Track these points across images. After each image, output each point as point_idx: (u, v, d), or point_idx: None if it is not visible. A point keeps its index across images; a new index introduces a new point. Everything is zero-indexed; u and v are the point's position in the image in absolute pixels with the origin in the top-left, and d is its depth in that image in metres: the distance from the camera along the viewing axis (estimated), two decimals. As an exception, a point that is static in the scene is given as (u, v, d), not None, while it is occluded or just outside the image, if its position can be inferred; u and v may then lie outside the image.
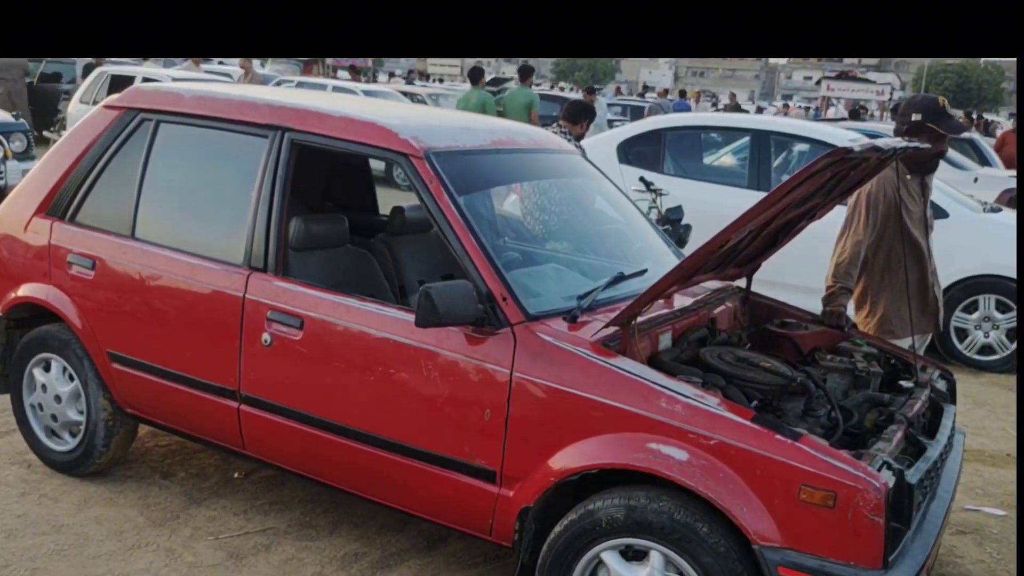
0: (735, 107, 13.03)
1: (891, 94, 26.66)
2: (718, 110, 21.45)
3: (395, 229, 3.77)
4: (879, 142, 2.77)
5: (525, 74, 10.81)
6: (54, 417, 3.67)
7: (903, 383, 3.17)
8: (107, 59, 12.22)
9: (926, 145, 3.32)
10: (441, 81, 31.98)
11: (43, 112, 13.01)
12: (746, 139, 7.15)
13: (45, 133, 12.63)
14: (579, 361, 2.58)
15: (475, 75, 11.02)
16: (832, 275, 3.70)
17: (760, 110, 26.05)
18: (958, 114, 3.74)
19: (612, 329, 2.70)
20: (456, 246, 2.79)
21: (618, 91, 26.02)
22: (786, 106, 26.72)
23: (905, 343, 3.60)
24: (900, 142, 2.97)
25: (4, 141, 7.99)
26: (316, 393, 2.99)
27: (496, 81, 29.82)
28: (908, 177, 3.68)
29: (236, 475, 3.83)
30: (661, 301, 3.08)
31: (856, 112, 18.08)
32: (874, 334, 3.71)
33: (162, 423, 3.51)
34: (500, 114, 10.19)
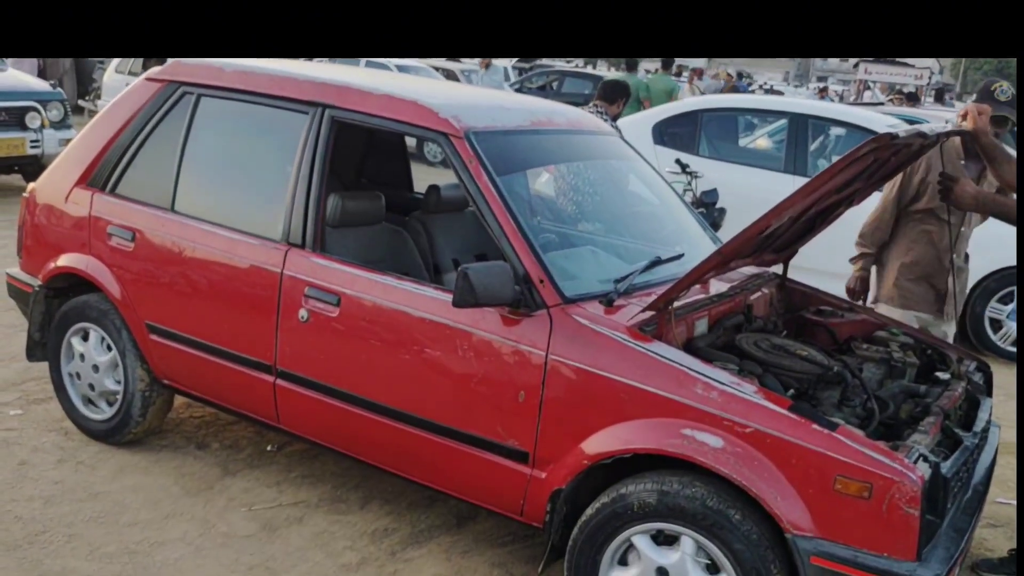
0: (732, 88, 12.78)
1: (930, 78, 26.21)
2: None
3: (430, 207, 3.77)
4: (924, 128, 2.74)
5: (667, 63, 12.03)
6: (91, 386, 3.73)
7: (939, 374, 3.14)
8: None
9: (969, 130, 3.29)
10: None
11: (79, 81, 13.14)
12: (783, 122, 7.07)
13: (80, 102, 12.76)
14: (615, 345, 2.58)
15: (631, 64, 12.05)
16: (857, 239, 3.90)
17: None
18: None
19: (649, 313, 2.70)
20: (494, 227, 2.79)
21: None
22: (823, 89, 26.22)
23: (907, 318, 3.68)
24: (945, 127, 2.93)
25: (41, 110, 8.05)
26: (351, 370, 3.01)
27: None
28: (962, 162, 3.65)
29: (269, 448, 3.88)
30: (697, 286, 3.07)
31: (915, 96, 17.68)
32: (882, 300, 3.84)
33: (198, 395, 3.55)
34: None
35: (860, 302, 3.89)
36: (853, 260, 3.94)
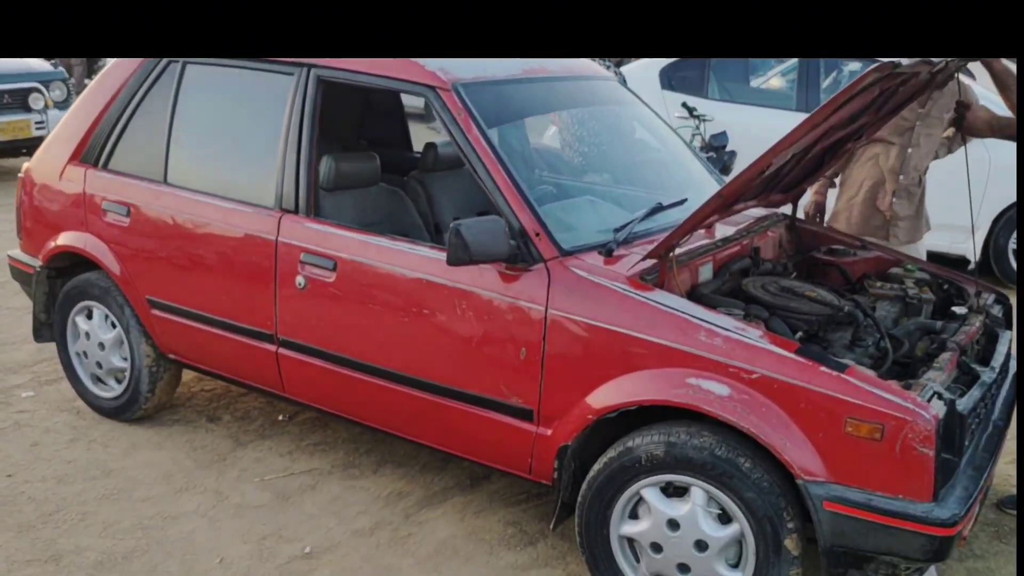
0: None
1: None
2: None
3: (428, 166, 3.69)
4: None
5: None
6: (99, 364, 3.71)
7: (956, 309, 3.05)
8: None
9: (974, 60, 3.19)
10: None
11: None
12: (794, 61, 6.89)
13: (87, 81, 12.72)
14: (615, 296, 2.51)
15: None
16: None
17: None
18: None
19: (649, 262, 2.62)
20: (486, 180, 2.72)
21: None
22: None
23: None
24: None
25: (44, 90, 8.02)
26: (352, 335, 2.97)
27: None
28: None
29: (280, 417, 3.86)
30: (701, 231, 2.99)
31: None
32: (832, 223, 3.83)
33: (204, 368, 3.53)
34: None
35: (817, 221, 3.90)
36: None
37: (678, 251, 2.69)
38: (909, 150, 3.67)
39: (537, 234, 2.63)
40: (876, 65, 2.27)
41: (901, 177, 3.68)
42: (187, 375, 3.87)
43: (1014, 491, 3.37)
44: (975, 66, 5.74)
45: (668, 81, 6.97)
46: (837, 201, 3.87)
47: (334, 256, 2.94)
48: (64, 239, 3.64)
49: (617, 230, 2.73)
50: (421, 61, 2.92)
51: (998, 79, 3.30)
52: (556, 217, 2.76)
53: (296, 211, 3.07)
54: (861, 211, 3.76)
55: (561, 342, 2.56)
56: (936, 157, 3.81)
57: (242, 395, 4.04)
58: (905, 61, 2.39)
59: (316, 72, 3.07)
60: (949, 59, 2.83)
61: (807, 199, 3.87)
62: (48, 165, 3.71)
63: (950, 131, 3.77)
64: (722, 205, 2.67)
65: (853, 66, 7.07)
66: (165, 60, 3.42)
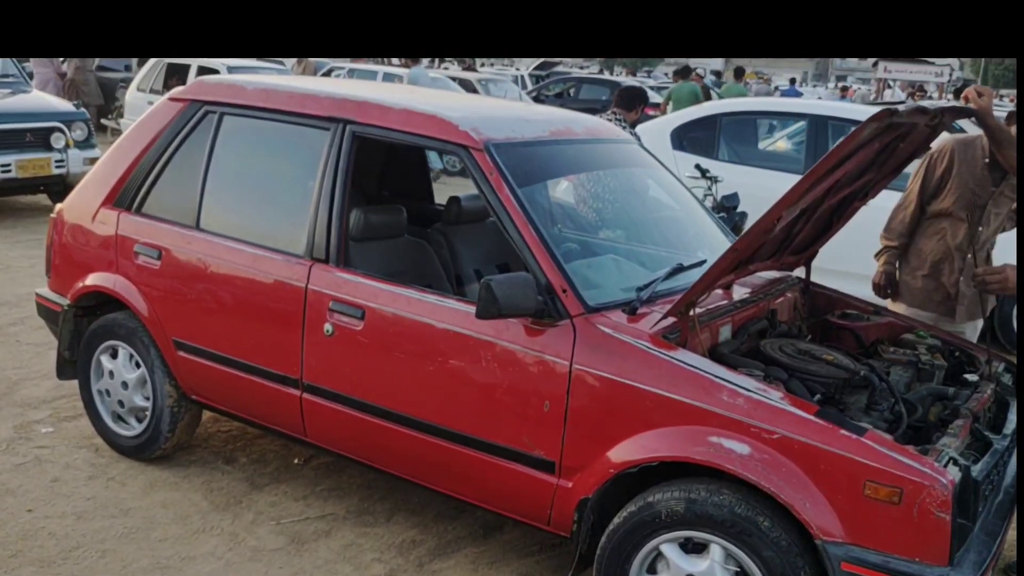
0: (685, 69, 13.11)
1: (950, 75, 26.01)
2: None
3: (451, 219, 3.79)
4: (924, 103, 2.71)
5: (686, 73, 13.26)
6: (121, 403, 3.77)
7: (968, 376, 3.12)
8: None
9: (973, 108, 3.23)
10: (491, 64, 31.85)
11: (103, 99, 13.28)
12: (803, 124, 7.04)
13: (103, 121, 12.90)
14: (639, 353, 2.58)
15: (685, 72, 13.26)
16: (881, 233, 3.84)
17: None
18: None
19: (671, 320, 2.69)
20: (516, 238, 2.80)
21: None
22: (844, 88, 25.90)
23: (918, 317, 3.63)
24: (945, 103, 2.90)
25: (66, 130, 8.16)
26: (377, 382, 3.03)
27: (544, 65, 29.71)
28: (985, 161, 3.59)
29: (296, 461, 3.90)
30: (720, 292, 3.07)
31: (958, 93, 17.57)
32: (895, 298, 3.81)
33: (226, 410, 3.58)
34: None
35: (888, 299, 3.84)
36: (877, 255, 3.86)
37: (698, 311, 2.77)
38: (980, 228, 3.64)
39: (564, 291, 2.71)
40: (874, 114, 2.37)
41: (968, 256, 3.65)
42: (205, 415, 3.92)
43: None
44: (966, 123, 5.85)
45: (679, 142, 7.12)
46: (901, 272, 3.81)
47: (363, 305, 3.02)
48: (94, 279, 3.72)
49: (640, 289, 2.81)
50: (454, 120, 3.02)
51: (991, 134, 3.34)
52: (581, 275, 2.84)
53: (327, 260, 3.15)
54: (924, 285, 3.71)
55: (585, 396, 2.63)
56: (1003, 230, 3.79)
57: (258, 437, 4.09)
58: (901, 109, 2.47)
59: (352, 128, 3.17)
60: (944, 108, 2.91)
61: (876, 269, 3.83)
62: (81, 207, 3.80)
63: (1014, 205, 3.83)
64: (737, 260, 2.74)
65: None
66: (204, 110, 3.53)
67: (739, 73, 15.40)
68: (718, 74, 19.01)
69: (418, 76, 12.61)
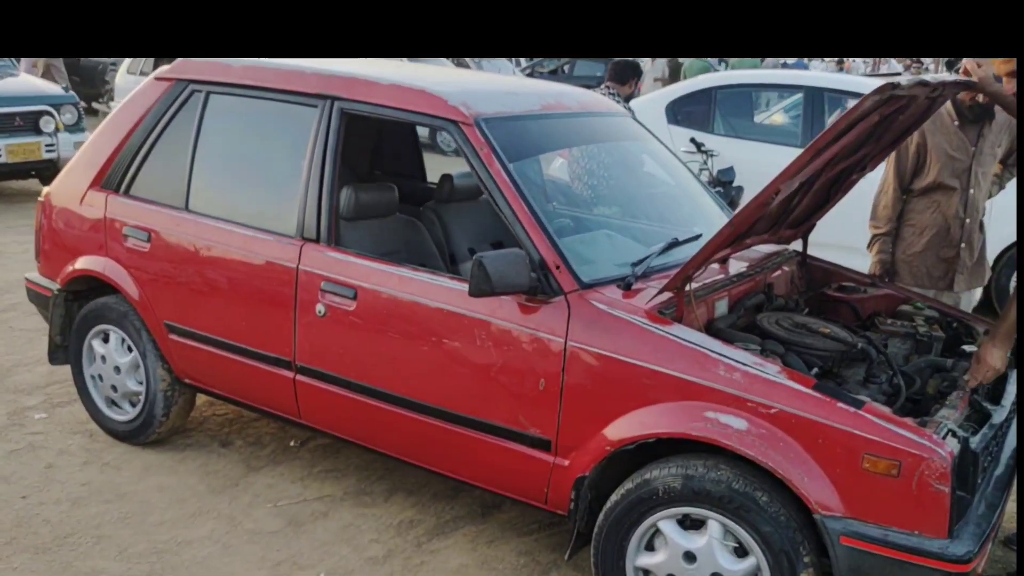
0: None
1: (946, 45, 25.81)
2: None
3: (444, 197, 3.75)
4: (926, 76, 2.67)
5: None
6: (114, 387, 3.74)
7: (966, 347, 3.10)
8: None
9: (974, 80, 3.18)
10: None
11: (91, 84, 13.19)
12: (799, 96, 6.98)
13: (94, 104, 12.81)
14: (634, 329, 2.55)
15: None
16: (869, 222, 3.80)
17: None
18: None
19: (667, 296, 2.66)
20: (508, 214, 2.76)
21: None
22: (841, 62, 25.74)
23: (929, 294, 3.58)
24: (949, 77, 2.86)
25: (55, 114, 8.09)
26: (370, 363, 3.00)
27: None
28: (956, 124, 3.57)
29: (292, 443, 3.88)
30: (716, 267, 3.04)
31: (951, 64, 17.43)
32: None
33: (219, 393, 3.55)
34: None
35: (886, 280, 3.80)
36: (869, 245, 3.81)
37: (694, 286, 2.74)
38: (971, 191, 3.61)
39: (558, 267, 2.67)
40: (876, 88, 2.33)
41: (967, 221, 3.63)
42: (200, 399, 3.90)
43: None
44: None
45: (674, 116, 7.06)
46: (896, 254, 3.75)
47: (355, 285, 2.99)
48: (83, 263, 3.68)
49: (635, 264, 2.78)
50: (443, 94, 2.97)
51: (1002, 103, 3.22)
52: (575, 250, 2.81)
53: (317, 240, 3.11)
54: (924, 261, 3.68)
55: (580, 374, 2.60)
56: (989, 196, 3.77)
57: (254, 420, 4.07)
58: (903, 82, 2.43)
59: (340, 105, 3.13)
60: (947, 82, 2.87)
61: (872, 259, 3.78)
62: (69, 190, 3.76)
63: (997, 167, 3.77)
64: (733, 235, 2.71)
65: (855, 103, 7.16)
66: (189, 89, 3.48)
67: None
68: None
69: None
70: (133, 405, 3.74)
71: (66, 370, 4.01)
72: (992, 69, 3.13)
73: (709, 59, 13.11)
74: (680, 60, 13.00)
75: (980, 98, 3.47)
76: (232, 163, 3.49)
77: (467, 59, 15.01)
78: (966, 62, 3.25)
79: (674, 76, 12.22)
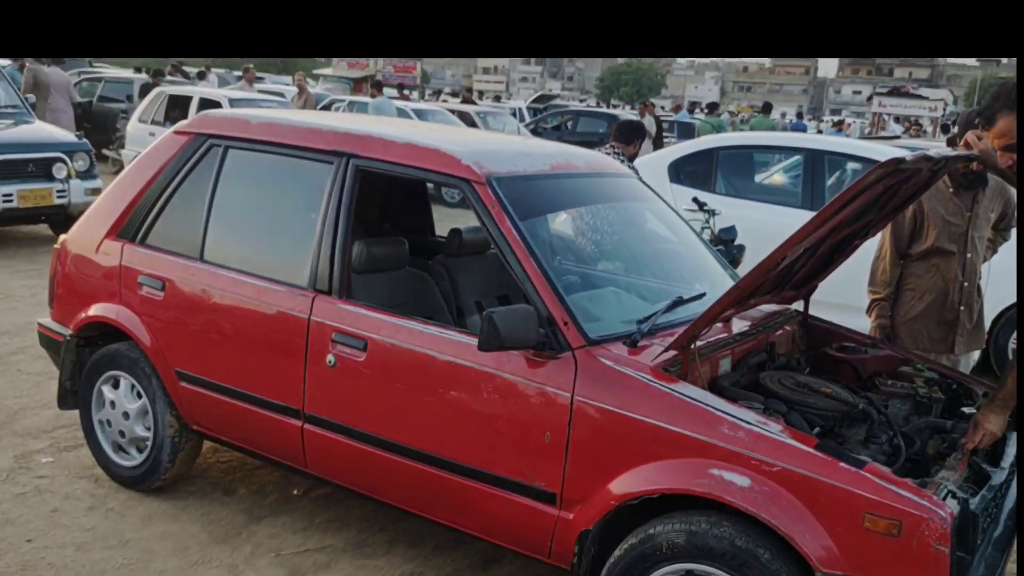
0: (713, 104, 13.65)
1: (944, 109, 26.24)
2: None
3: (453, 251, 3.83)
4: (930, 152, 2.76)
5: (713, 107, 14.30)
6: (122, 433, 3.78)
7: (965, 409, 3.14)
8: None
9: (976, 153, 3.27)
10: (498, 99, 32.07)
11: (102, 131, 13.36)
12: (799, 158, 7.11)
13: (104, 151, 12.96)
14: (640, 386, 2.60)
15: (712, 106, 14.20)
16: (868, 288, 3.86)
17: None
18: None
19: (672, 353, 2.72)
20: (518, 271, 2.83)
21: (677, 108, 25.59)
22: (839, 123, 26.08)
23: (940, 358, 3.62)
24: (951, 151, 2.95)
25: (68, 161, 8.20)
26: (379, 413, 3.04)
27: (542, 98, 29.95)
28: (951, 190, 3.66)
29: (295, 492, 3.90)
30: (719, 325, 3.10)
31: (947, 128, 17.98)
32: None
33: (227, 440, 3.59)
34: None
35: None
36: (868, 310, 3.87)
37: (699, 343, 2.80)
38: (968, 255, 3.69)
39: (565, 323, 2.73)
40: (881, 163, 2.41)
41: (965, 284, 3.70)
42: (204, 446, 3.92)
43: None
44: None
45: (677, 175, 7.18)
46: (896, 319, 3.80)
47: (365, 336, 3.05)
48: (96, 310, 3.74)
49: (641, 321, 2.84)
50: (456, 153, 3.06)
51: (1004, 177, 3.34)
52: (582, 307, 2.87)
53: (329, 292, 3.18)
54: (925, 324, 3.74)
55: (586, 428, 2.65)
56: (984, 260, 3.84)
57: (257, 468, 4.09)
58: (908, 157, 2.52)
59: (355, 162, 3.22)
60: (949, 156, 2.96)
61: (871, 324, 3.84)
62: (85, 238, 3.83)
63: (990, 232, 3.85)
64: (739, 297, 2.78)
65: (855, 166, 7.30)
66: (208, 143, 3.58)
67: (767, 108, 15.82)
68: (714, 106, 19.10)
69: (382, 106, 12.96)
70: (140, 451, 3.77)
71: (73, 414, 4.04)
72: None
73: (721, 119, 13.46)
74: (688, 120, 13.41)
75: (974, 166, 3.57)
76: (247, 216, 3.57)
77: (473, 115, 15.25)
78: (968, 136, 3.35)
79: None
